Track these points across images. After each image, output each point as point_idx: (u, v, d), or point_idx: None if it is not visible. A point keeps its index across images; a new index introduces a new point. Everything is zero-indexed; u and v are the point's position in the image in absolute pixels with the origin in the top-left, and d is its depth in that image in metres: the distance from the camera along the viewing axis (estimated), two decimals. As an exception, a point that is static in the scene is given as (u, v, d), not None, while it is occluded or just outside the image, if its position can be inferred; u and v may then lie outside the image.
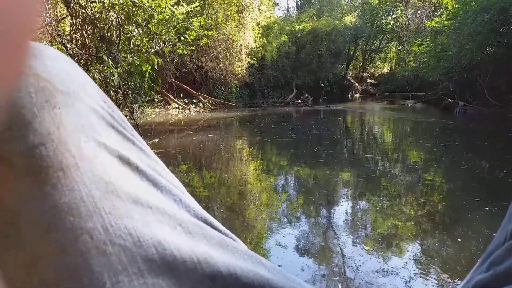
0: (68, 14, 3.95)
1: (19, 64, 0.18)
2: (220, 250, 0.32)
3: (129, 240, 0.28)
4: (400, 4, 23.90)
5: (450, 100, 13.06)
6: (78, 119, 0.30)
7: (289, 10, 33.72)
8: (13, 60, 0.17)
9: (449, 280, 2.04)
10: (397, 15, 24.47)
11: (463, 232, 2.73)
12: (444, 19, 15.22)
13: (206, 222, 0.35)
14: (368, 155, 5.77)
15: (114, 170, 0.30)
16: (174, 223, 0.31)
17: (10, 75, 0.17)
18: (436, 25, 16.47)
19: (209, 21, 13.25)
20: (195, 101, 13.64)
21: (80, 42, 4.09)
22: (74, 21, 3.96)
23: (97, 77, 3.73)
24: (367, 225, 2.96)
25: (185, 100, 13.13)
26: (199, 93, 14.00)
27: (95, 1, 3.98)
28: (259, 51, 16.43)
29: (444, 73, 13.88)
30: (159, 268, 0.28)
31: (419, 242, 2.62)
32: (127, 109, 4.28)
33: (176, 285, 0.28)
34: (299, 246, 2.54)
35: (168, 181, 0.35)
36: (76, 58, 3.90)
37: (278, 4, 27.58)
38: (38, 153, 0.27)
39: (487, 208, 3.12)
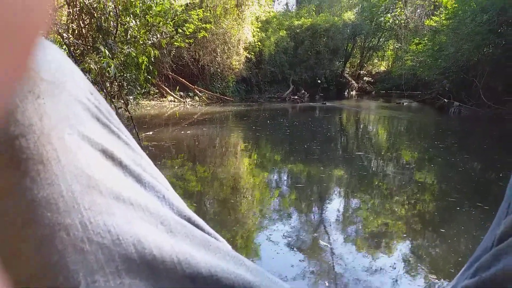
0: (65, 3, 3.91)
1: (25, 64, 0.17)
2: (202, 250, 0.32)
3: (108, 238, 0.27)
4: (399, 2, 23.86)
5: (445, 100, 13.10)
6: (63, 110, 0.29)
7: (288, 5, 33.41)
8: (21, 59, 0.16)
9: (436, 280, 2.07)
10: (397, 13, 24.43)
11: (453, 234, 2.76)
12: (443, 18, 15.22)
13: (189, 220, 0.35)
14: (362, 153, 5.80)
15: (97, 164, 0.29)
16: (156, 221, 0.30)
17: (15, 74, 0.16)
18: (435, 24, 16.48)
19: (208, 14, 13.17)
20: (191, 94, 13.58)
21: (76, 32, 4.05)
22: (71, 10, 3.92)
23: (93, 67, 3.71)
24: (357, 223, 2.99)
25: (181, 93, 13.06)
26: (196, 86, 13.93)
27: (92, -9, 3.95)
28: (257, 45, 16.34)
29: (440, 72, 13.91)
30: (137, 267, 0.27)
31: (408, 241, 2.64)
32: (122, 101, 4.26)
33: (154, 286, 0.27)
34: (289, 242, 2.56)
35: (152, 177, 0.34)
36: (72, 47, 3.87)
37: (277, -1, 27.46)
38: (18, 145, 0.26)
39: (479, 211, 3.16)
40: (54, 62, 0.30)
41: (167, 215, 0.32)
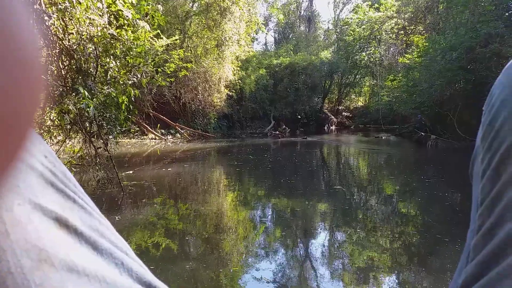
0: (44, 45, 3.92)
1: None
2: None
3: None
4: (373, 41, 24.95)
5: (422, 133, 13.48)
6: (13, 180, 0.28)
7: (267, 45, 34.62)
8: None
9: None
10: (371, 51, 25.50)
11: (435, 268, 2.75)
12: (415, 56, 15.93)
13: (149, 286, 0.34)
14: (344, 188, 5.82)
15: (49, 235, 0.28)
16: None
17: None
18: (408, 61, 17.22)
19: (189, 54, 13.45)
20: (172, 131, 13.58)
21: (55, 73, 4.04)
22: (50, 52, 3.94)
23: (71, 108, 3.68)
24: (343, 257, 2.95)
25: (162, 130, 13.05)
26: (177, 123, 13.96)
27: (72, 33, 3.98)
28: (237, 83, 16.68)
29: (416, 107, 14.38)
30: None
31: (391, 276, 2.61)
32: (102, 141, 4.21)
33: None
34: (276, 279, 2.50)
35: (110, 243, 0.33)
36: (50, 89, 3.85)
37: (257, 39, 28.42)
38: None
39: (458, 245, 3.17)
40: None
41: (125, 283, 0.31)
